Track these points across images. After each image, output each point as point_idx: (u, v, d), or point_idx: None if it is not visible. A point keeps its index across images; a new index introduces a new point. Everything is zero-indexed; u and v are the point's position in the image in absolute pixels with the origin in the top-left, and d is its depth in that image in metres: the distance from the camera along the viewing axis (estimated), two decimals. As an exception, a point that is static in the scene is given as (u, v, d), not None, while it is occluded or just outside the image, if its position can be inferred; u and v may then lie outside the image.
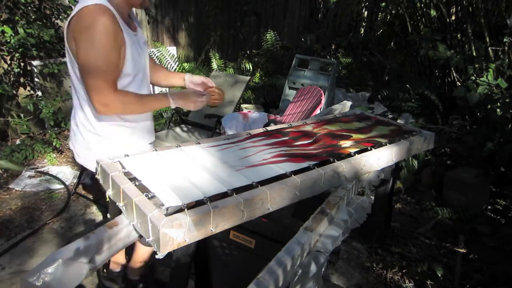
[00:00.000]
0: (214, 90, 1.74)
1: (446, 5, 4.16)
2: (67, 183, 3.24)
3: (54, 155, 3.65)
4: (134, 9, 1.61)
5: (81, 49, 1.34)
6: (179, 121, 3.97)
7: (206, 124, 3.54)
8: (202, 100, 1.62)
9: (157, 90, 4.55)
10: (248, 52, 6.18)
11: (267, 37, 5.77)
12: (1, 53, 3.52)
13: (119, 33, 1.38)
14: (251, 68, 5.42)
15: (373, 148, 1.63)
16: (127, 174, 1.23)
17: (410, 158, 3.22)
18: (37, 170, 3.42)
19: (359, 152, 1.57)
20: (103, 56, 1.34)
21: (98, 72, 1.34)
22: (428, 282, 2.23)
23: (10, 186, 3.15)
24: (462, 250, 2.41)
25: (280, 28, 6.54)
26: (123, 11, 1.46)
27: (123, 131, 1.58)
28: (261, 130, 1.75)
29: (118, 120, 1.54)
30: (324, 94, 3.51)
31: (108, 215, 1.95)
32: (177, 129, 3.58)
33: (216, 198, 1.11)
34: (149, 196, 1.09)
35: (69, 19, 1.39)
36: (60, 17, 3.79)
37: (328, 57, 5.89)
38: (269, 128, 1.77)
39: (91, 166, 1.52)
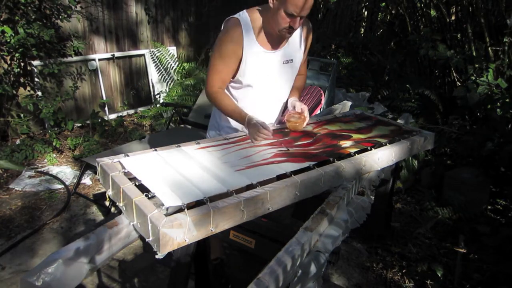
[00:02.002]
0: (293, 116, 1.75)
1: (446, 5, 4.16)
2: (67, 183, 3.24)
3: (54, 155, 3.65)
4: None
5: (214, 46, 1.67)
6: (179, 121, 3.97)
7: (206, 124, 3.53)
8: (259, 137, 1.59)
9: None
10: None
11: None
12: (1, 53, 3.52)
13: (238, 48, 1.61)
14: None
15: (373, 148, 1.63)
16: (127, 174, 1.23)
17: (410, 158, 3.22)
18: (37, 170, 3.42)
19: (359, 152, 1.57)
20: (216, 62, 1.64)
21: (210, 71, 1.67)
22: (428, 282, 2.23)
23: (10, 186, 3.15)
24: (462, 250, 2.41)
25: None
26: (262, 29, 1.63)
27: None
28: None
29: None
30: (324, 94, 3.51)
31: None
32: (177, 129, 3.58)
33: (216, 198, 1.11)
34: (149, 196, 1.09)
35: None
36: (60, 17, 3.79)
37: (328, 57, 5.89)
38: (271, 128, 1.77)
39: None
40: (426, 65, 4.74)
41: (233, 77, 1.70)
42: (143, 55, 4.98)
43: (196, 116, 3.71)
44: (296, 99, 1.83)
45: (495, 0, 3.78)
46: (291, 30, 1.56)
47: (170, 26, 5.30)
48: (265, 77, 1.70)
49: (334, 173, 1.40)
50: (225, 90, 1.75)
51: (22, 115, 3.71)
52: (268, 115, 1.81)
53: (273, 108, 1.83)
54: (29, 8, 3.48)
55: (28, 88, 3.84)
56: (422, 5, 4.61)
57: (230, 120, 1.78)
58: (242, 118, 1.63)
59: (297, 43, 1.74)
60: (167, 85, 5.20)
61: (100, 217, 2.85)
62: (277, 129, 1.77)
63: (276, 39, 1.65)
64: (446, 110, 4.07)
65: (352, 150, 1.56)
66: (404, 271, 2.35)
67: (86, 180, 3.31)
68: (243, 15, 1.62)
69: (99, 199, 3.04)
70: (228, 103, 1.68)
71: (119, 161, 1.28)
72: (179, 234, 0.98)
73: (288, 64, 1.74)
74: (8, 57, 3.58)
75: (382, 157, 1.63)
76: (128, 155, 1.32)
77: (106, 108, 4.61)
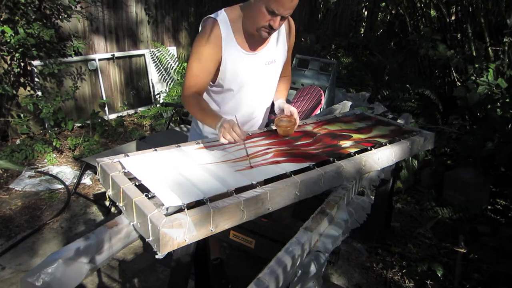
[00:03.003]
0: (281, 120, 1.66)
1: (446, 5, 4.16)
2: (67, 183, 3.24)
3: (54, 155, 3.65)
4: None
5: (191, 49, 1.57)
6: (179, 121, 3.97)
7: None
8: (231, 134, 1.41)
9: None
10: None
11: (267, 37, 5.76)
12: (1, 53, 3.52)
13: (217, 51, 1.51)
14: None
15: (373, 148, 1.63)
16: (127, 174, 1.23)
17: (410, 158, 3.22)
18: (37, 170, 3.42)
19: (359, 152, 1.57)
20: (195, 61, 1.53)
21: (186, 75, 1.57)
22: (428, 282, 2.23)
23: (10, 186, 3.15)
24: (462, 250, 2.41)
25: (280, 28, 6.52)
26: (242, 29, 1.54)
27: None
28: (261, 130, 1.75)
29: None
30: (324, 94, 3.51)
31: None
32: (177, 129, 3.58)
33: (216, 198, 1.11)
34: (149, 196, 1.09)
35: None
36: (60, 17, 3.79)
37: (328, 57, 5.89)
38: (269, 128, 1.77)
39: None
40: (426, 65, 4.74)
41: (214, 81, 1.60)
42: (143, 55, 4.98)
43: (196, 116, 3.70)
44: (284, 101, 1.74)
45: (495, 0, 3.78)
46: (270, 30, 1.45)
47: (170, 26, 5.30)
48: (246, 80, 1.60)
49: (334, 173, 1.40)
50: (206, 95, 1.67)
51: (22, 115, 3.71)
52: (251, 120, 1.74)
53: (256, 112, 1.73)
54: (29, 8, 3.48)
55: (28, 88, 3.84)
56: (422, 5, 4.61)
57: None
58: (216, 119, 1.44)
59: (280, 43, 1.65)
60: (167, 85, 5.20)
61: (100, 217, 2.85)
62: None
63: (257, 40, 1.56)
64: (446, 110, 4.07)
65: (352, 150, 1.56)
66: (404, 271, 2.35)
67: (86, 180, 3.31)
68: (221, 15, 1.52)
69: (99, 199, 3.04)
70: (201, 107, 1.53)
71: (119, 161, 1.28)
72: (179, 234, 0.98)
73: (271, 65, 1.64)
74: (8, 57, 3.58)
75: (382, 157, 1.63)
76: (128, 155, 1.32)
77: (106, 108, 4.61)
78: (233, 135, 1.36)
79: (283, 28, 1.65)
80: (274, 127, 1.70)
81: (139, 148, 3.10)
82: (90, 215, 2.86)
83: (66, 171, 3.43)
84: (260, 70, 1.62)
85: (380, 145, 1.69)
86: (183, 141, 1.56)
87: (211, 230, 1.05)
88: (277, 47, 1.65)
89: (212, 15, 1.53)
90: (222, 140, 1.37)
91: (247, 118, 1.72)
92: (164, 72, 5.18)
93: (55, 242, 2.54)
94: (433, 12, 4.49)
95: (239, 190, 1.17)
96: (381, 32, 6.75)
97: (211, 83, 1.63)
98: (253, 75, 1.61)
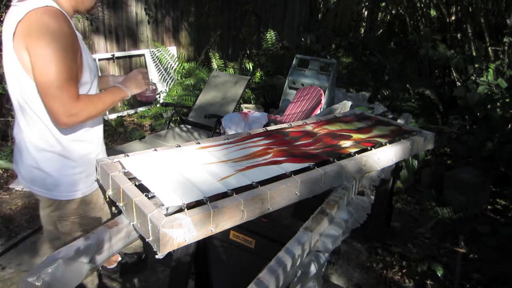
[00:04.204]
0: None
1: (446, 5, 4.16)
2: (67, 183, 3.24)
3: (54, 155, 3.65)
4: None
5: (39, 58, 1.19)
6: (179, 121, 3.97)
7: (206, 124, 3.54)
8: (144, 78, 1.50)
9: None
10: (248, 52, 6.18)
11: (267, 37, 5.77)
12: (1, 53, 3.52)
13: (75, 39, 1.27)
14: (251, 68, 5.42)
15: (373, 148, 1.63)
16: (127, 174, 1.23)
17: (410, 158, 3.22)
18: (37, 170, 3.42)
19: (359, 152, 1.57)
20: (64, 64, 1.20)
21: (61, 83, 1.20)
22: (428, 282, 2.23)
23: (10, 186, 3.15)
24: (462, 250, 2.41)
25: (280, 28, 6.54)
26: (68, 10, 1.33)
27: (83, 147, 1.43)
28: (261, 130, 1.75)
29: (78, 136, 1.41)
30: (324, 94, 3.51)
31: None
32: (177, 129, 3.58)
33: (216, 198, 1.11)
34: (149, 196, 1.09)
35: (12, 24, 1.21)
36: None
37: (328, 57, 5.89)
38: (269, 128, 1.77)
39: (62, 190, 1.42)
40: (426, 65, 4.74)
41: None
42: (143, 55, 4.98)
43: (196, 116, 3.71)
44: (113, 75, 1.71)
45: (495, 0, 3.78)
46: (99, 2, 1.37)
47: (170, 26, 5.30)
48: (95, 67, 1.43)
49: (334, 173, 1.40)
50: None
51: (22, 115, 3.71)
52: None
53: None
54: (29, 8, 3.48)
55: (28, 88, 3.84)
56: (422, 5, 4.61)
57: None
58: (118, 92, 1.41)
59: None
60: (167, 85, 5.20)
61: (100, 217, 2.85)
62: (277, 129, 1.77)
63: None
64: (446, 110, 4.08)
65: (352, 150, 1.56)
66: (404, 271, 2.35)
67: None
68: (51, 3, 1.24)
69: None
70: (96, 98, 1.35)
71: (119, 161, 1.28)
72: (179, 234, 0.98)
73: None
74: (8, 57, 3.58)
75: (382, 157, 1.63)
76: (128, 155, 1.32)
77: (106, 108, 4.61)
78: (144, 76, 1.47)
79: None
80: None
81: (139, 148, 3.10)
82: (90, 215, 2.86)
83: (66, 171, 3.43)
84: (89, 52, 1.50)
85: (380, 145, 1.69)
86: (183, 141, 1.56)
87: (211, 230, 1.05)
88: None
89: (39, 5, 1.21)
90: (147, 86, 1.49)
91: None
92: (164, 72, 5.18)
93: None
94: (433, 12, 4.49)
95: (239, 190, 1.17)
96: (381, 32, 6.74)
97: None
98: (94, 63, 1.48)
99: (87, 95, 1.35)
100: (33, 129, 1.38)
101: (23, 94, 1.33)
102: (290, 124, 1.87)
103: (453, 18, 4.32)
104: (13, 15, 1.23)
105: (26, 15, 1.19)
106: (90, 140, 1.45)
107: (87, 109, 1.28)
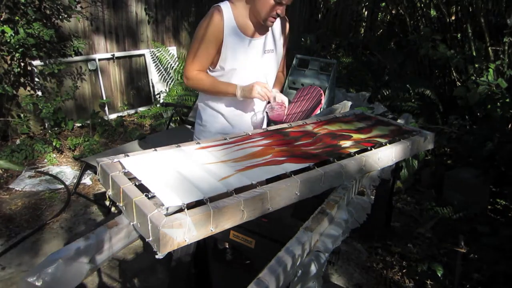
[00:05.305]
0: (273, 106, 1.81)
1: (446, 5, 4.16)
2: (67, 183, 3.24)
3: (54, 155, 3.65)
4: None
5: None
6: (179, 121, 3.97)
7: (206, 124, 3.53)
8: (263, 91, 1.69)
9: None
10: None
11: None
12: (1, 53, 3.52)
13: (218, 32, 1.63)
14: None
15: (373, 148, 1.63)
16: (127, 174, 1.23)
17: (410, 158, 3.22)
18: (37, 170, 3.42)
19: (359, 152, 1.57)
20: (196, 46, 1.67)
21: (189, 56, 1.70)
22: (428, 282, 2.23)
23: (10, 186, 3.15)
24: (462, 250, 2.41)
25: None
26: (245, 17, 1.66)
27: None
28: (261, 130, 1.75)
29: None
30: (324, 94, 3.51)
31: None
32: (177, 129, 3.58)
33: (216, 198, 1.11)
34: (149, 196, 1.09)
35: None
36: (60, 17, 3.79)
37: (328, 57, 5.89)
38: (269, 128, 1.77)
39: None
40: (426, 65, 4.74)
41: (214, 65, 1.71)
42: (143, 55, 4.98)
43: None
44: (277, 90, 1.86)
45: (495, 0, 3.78)
46: (276, 18, 1.61)
47: (170, 26, 5.30)
48: (247, 63, 1.71)
49: (334, 173, 1.40)
50: None
51: (22, 115, 3.71)
52: (250, 104, 1.84)
53: (255, 99, 1.82)
54: (29, 8, 3.48)
55: (28, 88, 3.84)
56: (422, 5, 4.61)
57: (216, 119, 1.83)
58: (232, 87, 1.69)
59: (277, 34, 1.78)
60: (167, 85, 5.20)
61: (100, 217, 2.85)
62: (277, 129, 1.77)
63: (257, 28, 1.68)
64: (446, 110, 4.08)
65: (352, 150, 1.56)
66: (404, 271, 2.35)
67: (86, 180, 3.31)
68: (224, 3, 1.66)
69: (99, 199, 3.04)
70: (212, 80, 1.71)
71: (119, 161, 1.28)
72: (179, 234, 0.98)
73: (270, 54, 1.77)
74: (8, 57, 3.58)
75: (382, 157, 1.62)
76: (128, 155, 1.32)
77: (106, 108, 4.61)
78: (267, 92, 1.66)
79: (279, 23, 1.78)
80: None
81: (139, 148, 3.10)
82: (90, 215, 2.87)
83: (66, 171, 3.43)
84: (260, 56, 1.74)
85: (380, 145, 1.69)
86: (183, 141, 1.56)
87: (211, 230, 1.05)
88: (275, 38, 1.77)
89: (220, 3, 1.65)
90: (258, 97, 1.67)
91: (248, 104, 1.81)
92: (164, 72, 5.18)
93: (55, 242, 2.54)
94: (433, 12, 4.49)
95: (239, 190, 1.17)
96: (381, 32, 6.74)
97: (211, 68, 1.73)
98: (253, 60, 1.73)
99: (208, 75, 1.73)
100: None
101: None
102: (290, 124, 1.86)
103: (453, 18, 4.32)
104: None
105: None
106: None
107: (197, 80, 1.71)
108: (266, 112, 1.91)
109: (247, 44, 1.68)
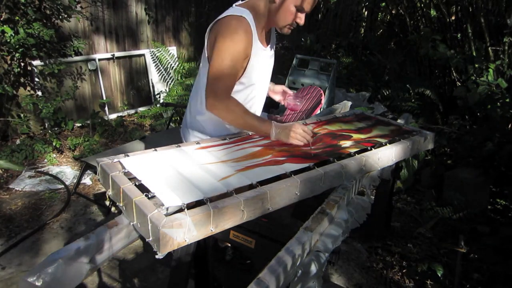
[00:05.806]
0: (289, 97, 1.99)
1: (446, 5, 4.16)
2: (67, 183, 3.24)
3: (54, 155, 3.65)
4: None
5: (215, 52, 1.44)
6: (179, 121, 3.97)
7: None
8: (302, 134, 1.55)
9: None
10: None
11: (267, 37, 5.76)
12: (1, 53, 3.52)
13: (249, 47, 1.48)
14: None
15: (373, 148, 1.63)
16: (127, 174, 1.23)
17: (410, 158, 3.22)
18: (37, 170, 3.42)
19: (359, 152, 1.57)
20: (229, 64, 1.44)
21: (220, 77, 1.44)
22: (428, 282, 2.23)
23: (10, 186, 3.15)
24: (462, 250, 2.41)
25: (280, 28, 6.52)
26: (262, 24, 1.54)
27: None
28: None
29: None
30: (324, 94, 3.50)
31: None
32: (177, 129, 3.58)
33: (216, 198, 1.11)
34: (149, 196, 1.09)
35: (214, 21, 1.52)
36: (60, 17, 3.79)
37: (328, 57, 5.89)
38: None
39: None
40: (426, 65, 4.74)
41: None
42: (143, 55, 4.98)
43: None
44: (272, 84, 1.90)
45: (495, 0, 3.78)
46: (295, 26, 1.51)
47: (170, 26, 5.30)
48: (264, 75, 1.67)
49: (334, 173, 1.40)
50: None
51: (22, 115, 3.70)
52: (259, 111, 1.79)
53: (262, 102, 1.78)
54: (29, 8, 3.48)
55: (28, 88, 3.84)
56: (422, 5, 4.61)
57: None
58: (266, 126, 1.54)
59: (273, 36, 1.73)
60: (167, 85, 5.20)
61: (100, 217, 2.85)
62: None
63: (267, 35, 1.62)
64: (446, 110, 4.07)
65: (352, 150, 1.56)
66: (404, 271, 2.35)
67: (86, 180, 3.31)
68: (248, 15, 1.48)
69: (99, 199, 3.04)
70: (244, 111, 1.50)
71: (119, 161, 1.28)
72: (179, 234, 0.98)
73: (272, 58, 1.73)
74: (8, 57, 3.58)
75: (382, 157, 1.62)
76: (128, 155, 1.32)
77: (106, 108, 4.61)
78: (306, 136, 1.53)
79: None
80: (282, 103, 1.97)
81: (139, 148, 3.10)
82: (90, 215, 2.86)
83: (66, 171, 3.43)
84: (270, 64, 1.70)
85: (380, 145, 1.69)
86: (183, 141, 1.56)
87: (211, 230, 1.05)
88: (273, 40, 1.72)
89: (239, 14, 1.47)
90: (296, 142, 1.52)
91: (257, 111, 1.76)
92: (164, 72, 5.18)
93: (55, 242, 2.54)
94: (433, 12, 4.49)
95: (239, 190, 1.17)
96: (381, 32, 6.74)
97: None
98: (267, 69, 1.69)
99: (240, 104, 1.51)
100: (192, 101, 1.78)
101: (200, 73, 1.67)
102: (290, 124, 1.86)
103: (453, 18, 4.31)
104: (220, 15, 1.55)
105: (224, 17, 1.52)
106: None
107: (228, 111, 1.47)
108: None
109: (263, 55, 1.59)
